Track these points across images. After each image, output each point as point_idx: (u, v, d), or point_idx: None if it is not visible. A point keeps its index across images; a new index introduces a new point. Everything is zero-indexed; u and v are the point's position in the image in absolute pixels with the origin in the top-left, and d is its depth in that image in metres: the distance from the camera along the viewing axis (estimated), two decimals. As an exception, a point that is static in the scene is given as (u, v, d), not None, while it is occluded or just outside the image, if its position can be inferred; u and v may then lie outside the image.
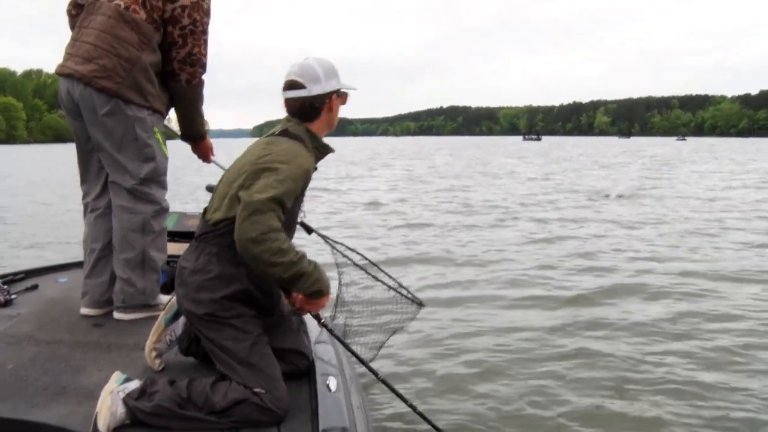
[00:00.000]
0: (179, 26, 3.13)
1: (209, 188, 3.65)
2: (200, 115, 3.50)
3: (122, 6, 3.05)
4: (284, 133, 2.50)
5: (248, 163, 2.38)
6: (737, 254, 9.19)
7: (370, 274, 5.10)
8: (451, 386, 4.49)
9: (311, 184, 2.60)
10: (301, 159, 2.38)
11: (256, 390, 2.19)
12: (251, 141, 2.77)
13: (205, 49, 3.26)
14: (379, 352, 4.48)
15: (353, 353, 2.72)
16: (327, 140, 2.68)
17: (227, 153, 5.94)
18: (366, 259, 5.00)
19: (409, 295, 4.57)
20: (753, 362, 4.89)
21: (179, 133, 3.58)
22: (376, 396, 4.22)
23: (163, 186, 3.32)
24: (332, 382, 2.43)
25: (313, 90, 2.51)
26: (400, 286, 5.45)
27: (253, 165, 2.35)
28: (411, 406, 2.73)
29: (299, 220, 3.16)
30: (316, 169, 2.56)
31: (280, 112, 2.64)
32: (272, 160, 2.32)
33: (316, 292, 2.32)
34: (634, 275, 7.83)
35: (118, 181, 3.19)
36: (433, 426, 2.83)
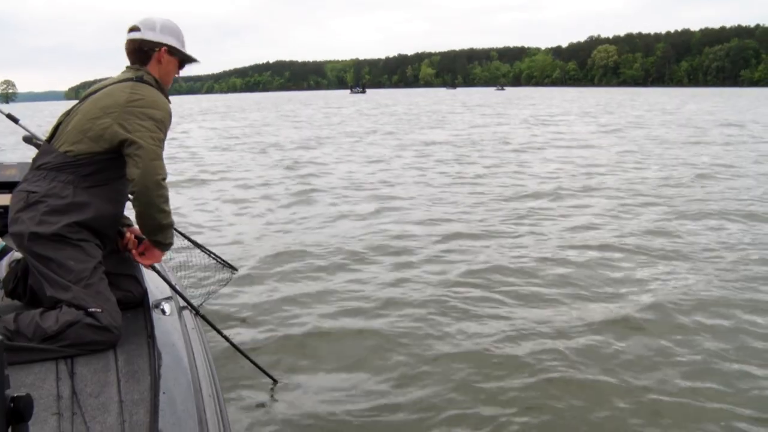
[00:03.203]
0: None
1: (26, 139, 3.59)
2: None
3: None
4: (141, 79, 2.58)
5: (116, 105, 2.45)
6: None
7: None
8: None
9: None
10: (167, 105, 2.56)
11: (91, 310, 2.26)
12: (67, 104, 2.69)
13: None
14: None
15: (173, 287, 2.82)
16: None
17: (40, 119, 5.44)
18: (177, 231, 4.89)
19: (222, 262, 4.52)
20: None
21: None
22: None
23: None
24: (167, 307, 2.52)
25: (147, 35, 2.64)
26: (216, 257, 5.27)
27: (123, 107, 2.43)
28: (226, 338, 3.22)
29: None
30: None
31: (97, 73, 2.68)
32: (146, 105, 2.45)
33: (169, 244, 2.58)
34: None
35: None
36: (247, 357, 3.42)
